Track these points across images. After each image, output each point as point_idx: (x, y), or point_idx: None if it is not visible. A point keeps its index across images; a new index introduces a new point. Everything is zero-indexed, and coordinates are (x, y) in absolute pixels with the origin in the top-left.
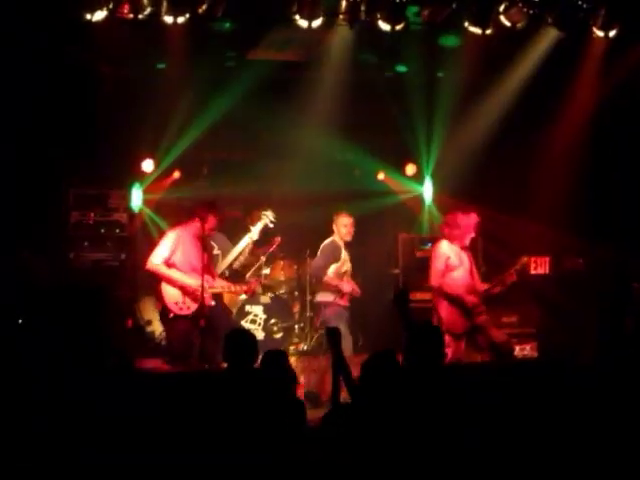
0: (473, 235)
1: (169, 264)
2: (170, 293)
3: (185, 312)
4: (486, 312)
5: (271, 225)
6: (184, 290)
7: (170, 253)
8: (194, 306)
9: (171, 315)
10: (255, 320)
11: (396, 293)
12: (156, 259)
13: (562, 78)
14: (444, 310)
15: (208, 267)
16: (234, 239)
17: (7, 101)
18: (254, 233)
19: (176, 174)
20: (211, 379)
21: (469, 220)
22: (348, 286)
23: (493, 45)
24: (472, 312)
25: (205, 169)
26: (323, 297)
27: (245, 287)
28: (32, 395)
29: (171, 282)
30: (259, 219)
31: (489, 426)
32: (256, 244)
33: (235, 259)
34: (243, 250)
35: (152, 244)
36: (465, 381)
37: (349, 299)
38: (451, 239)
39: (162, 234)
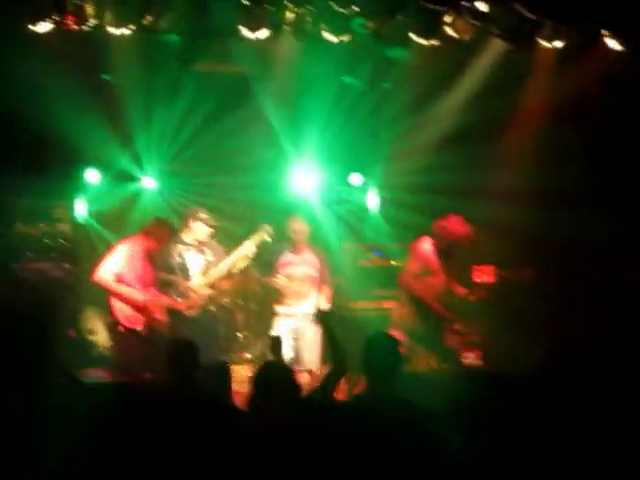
0: (454, 239)
1: (118, 278)
2: (121, 307)
3: (135, 325)
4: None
5: (269, 239)
6: (133, 304)
7: (119, 267)
8: (142, 319)
9: (120, 328)
10: None
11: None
12: (104, 272)
13: (511, 87)
14: (405, 312)
15: (154, 282)
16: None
17: None
18: (249, 247)
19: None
20: (152, 390)
21: (454, 225)
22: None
23: (441, 56)
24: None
25: (151, 180)
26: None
27: (187, 302)
28: None
29: (119, 297)
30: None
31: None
32: None
33: (227, 271)
34: (235, 263)
35: (96, 255)
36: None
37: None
38: (434, 241)
39: (110, 246)
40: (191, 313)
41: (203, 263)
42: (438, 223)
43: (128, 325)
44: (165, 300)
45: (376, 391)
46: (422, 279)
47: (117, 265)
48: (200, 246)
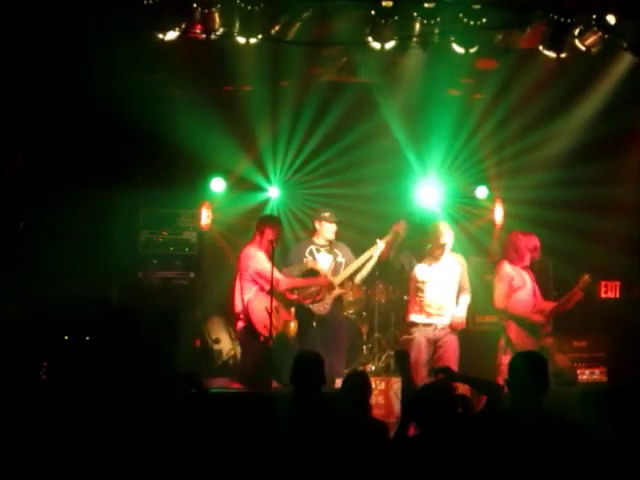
0: (534, 256)
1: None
2: (259, 316)
3: (270, 333)
4: (553, 334)
5: (403, 234)
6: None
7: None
8: (277, 326)
9: (262, 338)
10: None
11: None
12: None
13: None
14: (513, 332)
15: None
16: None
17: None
18: (378, 246)
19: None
20: (278, 400)
21: (528, 241)
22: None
23: (569, 70)
24: (540, 332)
25: (276, 190)
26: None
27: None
28: (99, 416)
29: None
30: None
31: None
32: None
33: (357, 271)
34: (365, 263)
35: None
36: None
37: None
38: (512, 260)
39: (242, 256)
40: (322, 311)
41: (333, 263)
42: (505, 239)
43: (265, 333)
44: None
45: (523, 407)
46: (514, 298)
47: (268, 266)
48: (331, 247)
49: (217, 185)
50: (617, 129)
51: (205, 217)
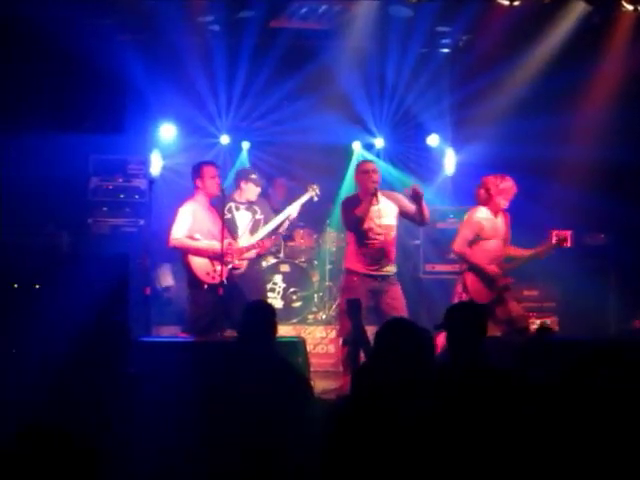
0: (507, 198)
1: (191, 236)
2: (199, 264)
3: (217, 280)
4: (509, 285)
5: (316, 199)
6: (212, 258)
7: (189, 226)
8: (223, 273)
9: (205, 286)
10: (274, 289)
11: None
12: (178, 233)
13: (591, 52)
14: (469, 279)
15: (226, 232)
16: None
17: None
18: (294, 206)
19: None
20: (226, 349)
21: (501, 183)
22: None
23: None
24: (496, 282)
25: (226, 137)
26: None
27: (257, 245)
28: (53, 364)
29: (199, 252)
30: (305, 191)
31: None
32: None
33: (274, 230)
34: (283, 222)
35: (171, 211)
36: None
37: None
38: (485, 203)
39: (175, 211)
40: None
41: (251, 221)
42: (480, 183)
43: (209, 281)
44: (243, 247)
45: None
46: (477, 244)
47: (186, 225)
48: (250, 204)
49: (167, 132)
50: (568, 82)
51: (155, 164)
